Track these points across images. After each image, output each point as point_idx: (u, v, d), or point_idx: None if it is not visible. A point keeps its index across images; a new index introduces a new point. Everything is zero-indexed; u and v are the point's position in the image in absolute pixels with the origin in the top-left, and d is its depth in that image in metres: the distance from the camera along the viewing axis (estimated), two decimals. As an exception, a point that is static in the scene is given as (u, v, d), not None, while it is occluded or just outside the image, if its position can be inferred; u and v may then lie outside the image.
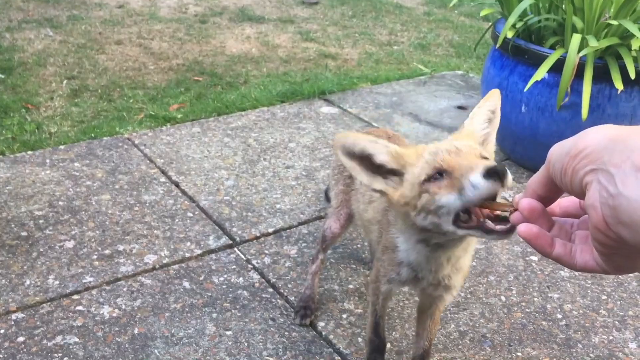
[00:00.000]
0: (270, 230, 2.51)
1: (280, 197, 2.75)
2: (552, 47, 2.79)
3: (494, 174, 1.07)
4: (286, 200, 2.72)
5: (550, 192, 0.71)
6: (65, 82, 3.97)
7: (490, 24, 3.31)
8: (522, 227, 0.72)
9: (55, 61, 4.31)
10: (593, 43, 2.50)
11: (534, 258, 2.42)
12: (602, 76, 2.64)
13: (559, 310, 2.16)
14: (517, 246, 2.47)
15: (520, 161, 3.12)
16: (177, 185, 2.80)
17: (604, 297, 2.23)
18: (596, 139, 0.61)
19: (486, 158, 1.20)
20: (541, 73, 2.64)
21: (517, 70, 2.87)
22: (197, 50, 4.75)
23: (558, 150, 0.66)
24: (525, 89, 2.72)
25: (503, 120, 2.94)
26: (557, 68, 2.63)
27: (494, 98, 1.38)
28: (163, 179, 2.84)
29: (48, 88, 3.87)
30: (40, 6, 5.63)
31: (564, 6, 2.75)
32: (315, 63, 4.62)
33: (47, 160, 2.95)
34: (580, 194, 0.63)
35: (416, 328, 1.77)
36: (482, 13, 3.08)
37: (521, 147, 3.02)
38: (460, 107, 3.87)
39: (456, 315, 2.10)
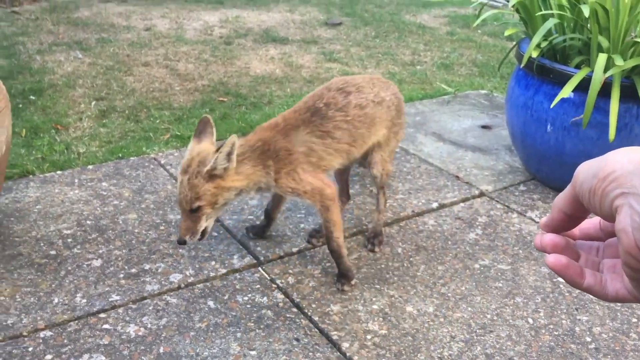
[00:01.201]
0: (294, 249, 2.52)
1: (304, 216, 2.76)
2: (578, 67, 2.77)
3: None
4: (310, 219, 2.73)
5: (577, 211, 0.70)
6: (93, 103, 4.06)
7: (514, 43, 3.30)
8: (551, 258, 0.71)
9: (84, 83, 4.41)
10: (619, 62, 2.48)
11: (562, 279, 2.37)
12: (629, 95, 2.61)
13: (588, 333, 2.12)
14: (544, 267, 2.44)
15: (546, 181, 3.09)
16: (202, 204, 2.83)
17: (634, 320, 2.18)
18: (623, 162, 0.60)
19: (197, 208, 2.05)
20: (567, 90, 2.61)
21: (542, 89, 2.85)
22: (222, 72, 4.82)
23: (585, 171, 0.65)
24: (552, 105, 2.69)
25: (528, 140, 2.97)
26: (583, 87, 2.60)
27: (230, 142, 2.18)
28: (188, 199, 2.87)
29: (77, 109, 3.96)
30: (70, 29, 5.79)
31: (589, 25, 2.73)
32: (338, 83, 4.65)
33: (76, 180, 3.00)
34: (610, 216, 0.62)
35: None
36: (506, 33, 3.07)
37: (547, 167, 2.99)
38: (484, 127, 3.85)
39: (482, 338, 2.08)
